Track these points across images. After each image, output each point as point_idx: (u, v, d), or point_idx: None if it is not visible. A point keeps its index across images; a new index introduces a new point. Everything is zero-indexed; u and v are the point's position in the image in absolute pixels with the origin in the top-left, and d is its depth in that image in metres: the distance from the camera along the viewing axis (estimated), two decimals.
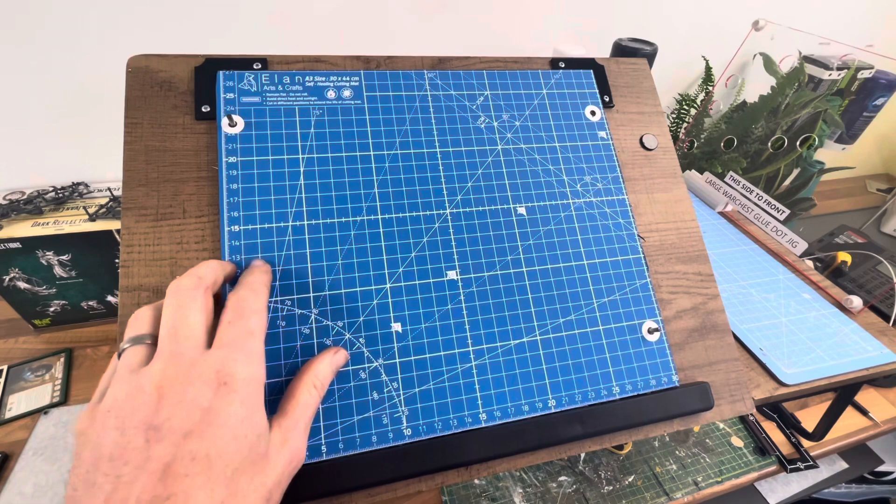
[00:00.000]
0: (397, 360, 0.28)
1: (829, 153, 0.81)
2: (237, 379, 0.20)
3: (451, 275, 0.30)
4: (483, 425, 0.28)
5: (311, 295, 0.28)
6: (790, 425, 0.56)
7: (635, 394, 0.31)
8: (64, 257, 0.55)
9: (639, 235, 0.34)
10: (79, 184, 0.61)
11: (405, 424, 0.27)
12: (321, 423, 0.26)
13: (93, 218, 0.56)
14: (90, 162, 0.64)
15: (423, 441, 0.27)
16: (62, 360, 0.57)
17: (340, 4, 0.62)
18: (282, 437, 0.21)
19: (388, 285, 0.29)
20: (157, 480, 0.17)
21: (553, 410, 0.29)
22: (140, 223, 0.27)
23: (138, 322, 0.22)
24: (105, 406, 0.19)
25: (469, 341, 0.29)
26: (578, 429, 0.28)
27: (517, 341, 0.30)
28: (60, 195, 0.59)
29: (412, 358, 0.28)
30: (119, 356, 0.21)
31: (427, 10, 0.66)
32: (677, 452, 0.54)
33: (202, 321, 0.21)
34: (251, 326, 0.22)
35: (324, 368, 0.25)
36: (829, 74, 0.76)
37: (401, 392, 0.27)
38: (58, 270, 0.56)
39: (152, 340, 0.21)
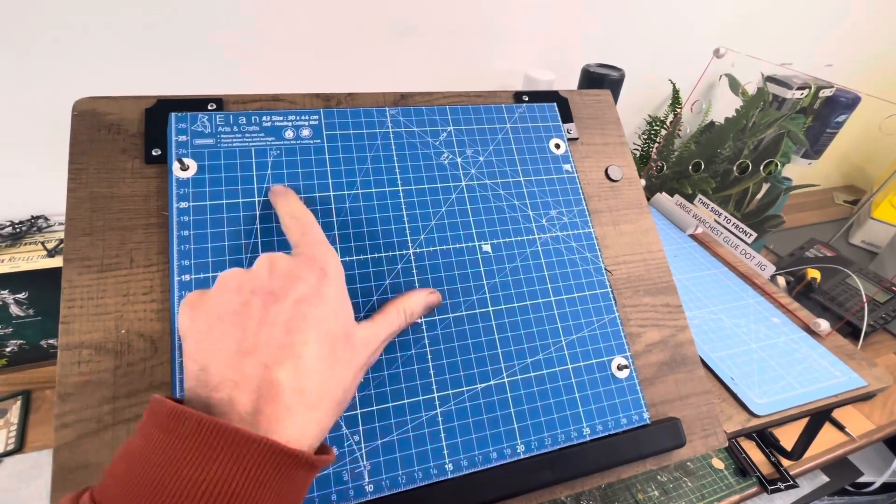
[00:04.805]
0: (358, 411, 0.27)
1: (796, 168, 0.83)
2: (331, 267, 0.24)
3: None
4: (449, 476, 0.27)
5: None
6: (769, 444, 0.56)
7: (606, 434, 0.30)
8: (20, 295, 0.53)
9: (606, 269, 0.34)
10: (38, 217, 0.59)
11: (367, 480, 0.26)
12: None
13: (51, 254, 0.53)
14: (51, 194, 0.61)
15: (386, 497, 0.25)
16: (19, 402, 0.54)
17: (307, 38, 0.62)
18: (364, 337, 0.24)
19: None
20: (281, 332, 0.21)
21: (522, 456, 0.28)
22: (83, 275, 0.26)
23: None
24: (221, 280, 0.22)
25: (434, 387, 0.28)
26: (549, 475, 0.28)
27: (484, 385, 0.29)
28: (18, 230, 0.56)
29: (374, 408, 0.27)
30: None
31: (396, 36, 0.66)
32: (659, 477, 0.53)
33: None
34: (320, 236, 0.26)
35: (417, 299, 0.28)
36: (793, 93, 0.78)
37: (362, 445, 0.26)
38: (14, 309, 0.53)
39: None
